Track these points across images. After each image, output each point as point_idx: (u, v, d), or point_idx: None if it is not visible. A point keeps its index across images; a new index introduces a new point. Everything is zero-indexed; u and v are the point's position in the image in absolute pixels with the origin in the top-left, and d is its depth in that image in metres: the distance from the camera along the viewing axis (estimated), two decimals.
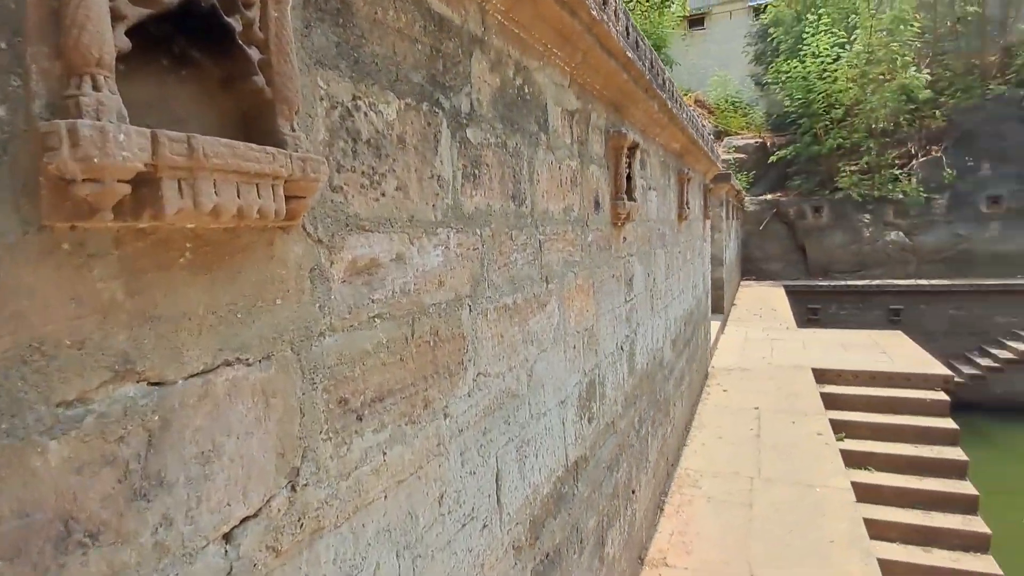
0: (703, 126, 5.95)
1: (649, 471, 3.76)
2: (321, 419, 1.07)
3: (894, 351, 7.80)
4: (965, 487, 5.69)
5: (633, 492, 3.34)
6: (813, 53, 15.56)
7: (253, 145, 0.85)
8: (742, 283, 16.67)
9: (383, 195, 1.25)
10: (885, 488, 5.77)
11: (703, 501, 4.18)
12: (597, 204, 2.80)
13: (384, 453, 1.23)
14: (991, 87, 15.47)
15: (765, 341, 8.74)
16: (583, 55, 2.33)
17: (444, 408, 1.46)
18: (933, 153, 15.87)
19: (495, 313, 1.74)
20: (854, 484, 4.93)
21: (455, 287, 1.52)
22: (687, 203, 4.82)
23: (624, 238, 3.14)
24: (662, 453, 4.19)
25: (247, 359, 0.94)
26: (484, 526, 1.65)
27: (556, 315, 2.23)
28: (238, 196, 0.84)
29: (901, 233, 15.88)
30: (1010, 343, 13.93)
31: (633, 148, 3.08)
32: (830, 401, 6.55)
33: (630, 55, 2.66)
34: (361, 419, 1.17)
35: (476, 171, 1.64)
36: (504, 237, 1.80)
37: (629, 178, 3.08)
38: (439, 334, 1.44)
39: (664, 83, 3.52)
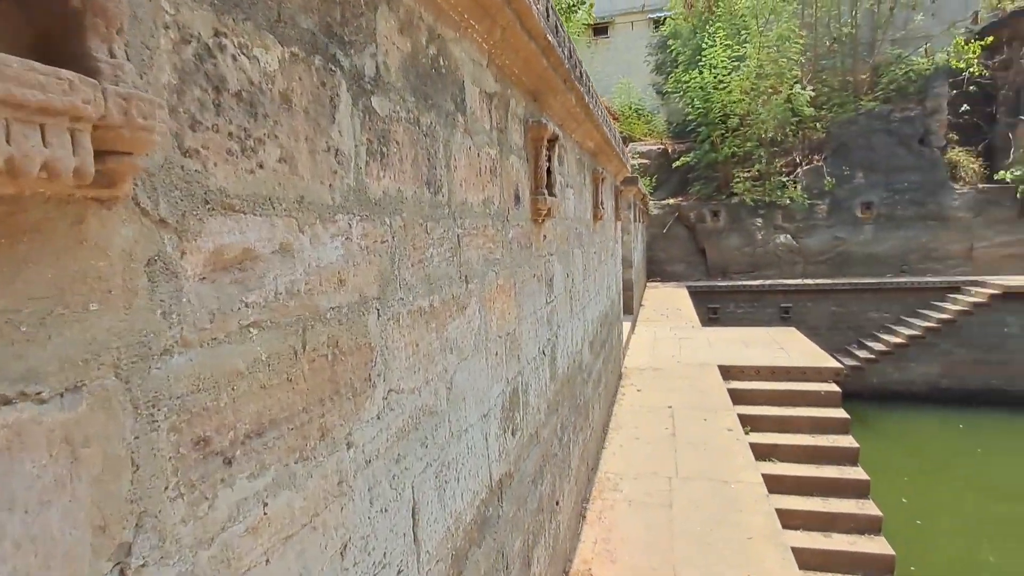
0: (614, 128, 5.96)
1: (572, 479, 3.62)
2: (167, 470, 0.76)
3: (790, 346, 8.23)
4: (858, 473, 6.04)
5: (557, 503, 3.17)
6: (711, 65, 16.38)
7: (36, 64, 0.56)
8: (648, 284, 17.23)
9: (260, 166, 0.96)
10: (788, 478, 6.01)
11: (624, 505, 4.11)
12: (517, 198, 2.60)
13: (265, 504, 0.94)
14: (863, 102, 16.94)
15: (673, 340, 8.97)
16: (502, 32, 2.11)
17: (347, 436, 1.19)
18: (815, 162, 17.16)
19: (409, 318, 1.48)
20: (763, 476, 5.07)
21: (360, 287, 1.25)
22: (602, 203, 4.76)
23: (544, 236, 2.97)
24: (583, 459, 4.07)
25: (40, 393, 0.63)
26: (399, 572, 1.39)
27: (477, 319, 2.00)
28: (7, 141, 0.54)
29: (789, 236, 17.04)
30: (883, 336, 15.30)
31: (553, 140, 2.92)
32: (737, 396, 6.76)
33: (550, 39, 2.48)
34: (230, 463, 0.87)
35: (384, 148, 1.37)
36: (419, 229, 1.55)
37: (549, 172, 2.91)
38: (339, 345, 1.17)
39: (582, 76, 3.39)
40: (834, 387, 6.81)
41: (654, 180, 18.05)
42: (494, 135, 2.27)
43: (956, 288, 15.20)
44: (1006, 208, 15.80)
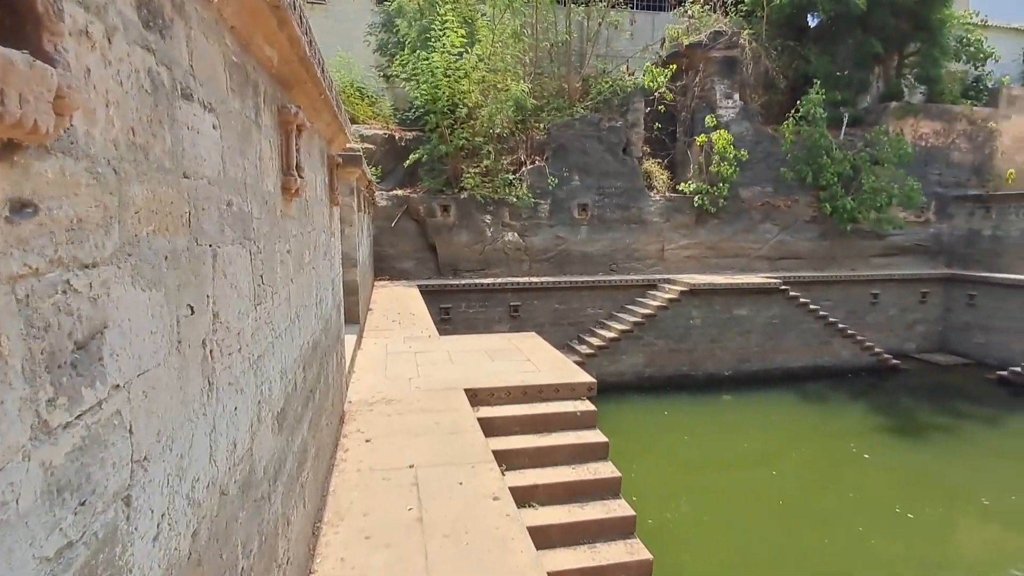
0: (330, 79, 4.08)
1: None
2: None
3: (537, 357, 7.35)
4: (622, 508, 5.25)
5: None
6: (442, 48, 15.29)
7: None
8: (376, 283, 15.47)
9: None
10: (552, 528, 4.91)
11: None
12: None
13: None
14: (578, 109, 17.78)
15: (409, 355, 7.39)
16: None
17: None
18: (538, 162, 17.46)
19: None
20: (528, 529, 3.78)
21: None
22: (296, 166, 2.85)
23: None
24: None
25: None
26: None
27: None
28: None
29: (516, 234, 17.03)
30: (599, 331, 16.20)
31: None
32: (489, 427, 5.49)
33: None
34: None
35: None
36: None
37: None
38: None
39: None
40: (589, 406, 6.01)
41: (380, 169, 16.35)
42: None
43: (654, 285, 16.90)
44: (686, 215, 18.17)
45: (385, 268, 16.40)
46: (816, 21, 20.24)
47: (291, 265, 2.67)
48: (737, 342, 16.40)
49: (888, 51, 19.45)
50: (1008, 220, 18.58)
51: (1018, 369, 16.13)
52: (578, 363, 15.27)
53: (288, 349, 2.57)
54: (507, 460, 5.33)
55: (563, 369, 6.69)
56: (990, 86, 21.30)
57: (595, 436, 5.74)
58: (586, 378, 6.28)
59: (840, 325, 17.12)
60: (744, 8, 19.74)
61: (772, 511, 9.62)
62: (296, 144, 2.79)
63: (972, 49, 20.30)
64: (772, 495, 10.28)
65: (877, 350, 17.52)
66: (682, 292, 15.78)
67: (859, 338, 17.34)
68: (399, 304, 11.69)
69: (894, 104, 19.45)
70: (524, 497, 5.09)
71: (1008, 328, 17.55)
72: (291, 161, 2.60)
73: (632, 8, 20.77)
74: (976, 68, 21.08)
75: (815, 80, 18.10)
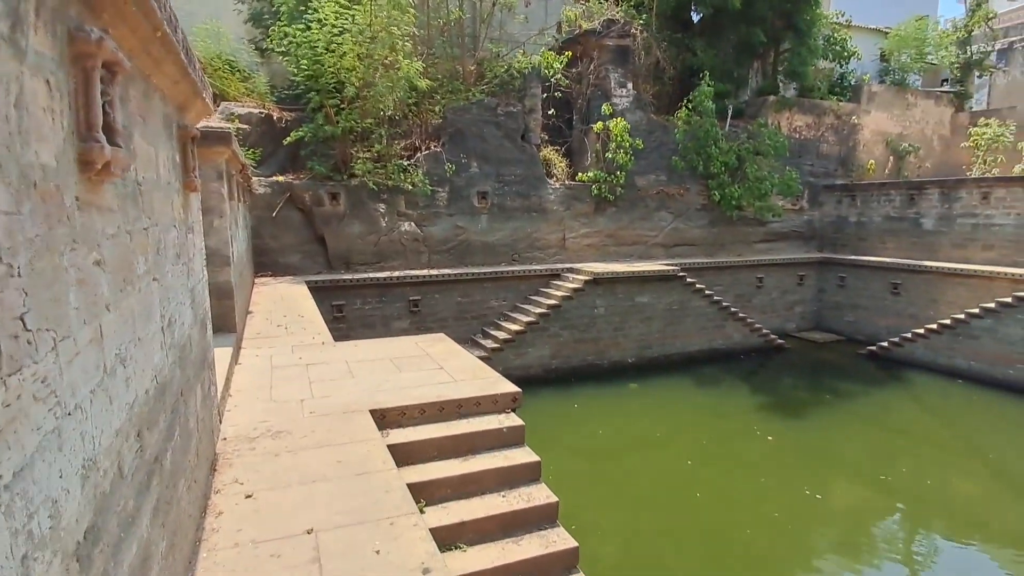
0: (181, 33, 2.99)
1: None
2: None
3: (451, 364, 6.51)
4: (562, 538, 4.60)
5: None
6: (320, 20, 13.77)
7: None
8: (257, 280, 13.81)
9: None
10: (485, 574, 4.16)
11: None
12: None
13: None
14: (474, 93, 16.95)
15: (299, 369, 6.27)
16: None
17: None
18: (434, 148, 16.46)
19: None
20: None
21: None
22: (110, 128, 1.85)
23: None
24: None
25: None
26: None
27: None
28: None
29: (413, 224, 15.97)
30: (504, 324, 15.60)
31: None
32: (403, 454, 4.62)
33: None
34: None
35: None
36: None
37: None
38: None
39: None
40: (516, 420, 5.29)
41: (258, 153, 14.59)
42: None
43: (557, 275, 16.55)
44: (585, 204, 18.00)
45: (267, 263, 14.72)
46: (699, 15, 20.83)
47: (105, 284, 1.67)
48: (639, 329, 16.50)
49: (765, 47, 20.38)
50: (871, 207, 20.21)
51: (885, 344, 17.58)
52: (484, 358, 14.60)
53: (102, 419, 1.59)
54: (426, 493, 4.49)
55: (483, 378, 5.91)
56: (853, 83, 23.04)
57: (525, 455, 5.05)
58: (509, 387, 5.55)
59: (732, 309, 17.75)
60: None
61: (691, 501, 9.53)
62: (109, 94, 1.77)
63: (838, 48, 21.80)
64: (688, 483, 10.23)
65: (764, 331, 18.39)
66: (586, 281, 15.54)
67: (749, 320, 18.09)
68: (285, 305, 10.33)
69: (772, 98, 20.46)
70: (449, 538, 4.29)
71: (872, 306, 19.12)
72: (94, 119, 1.60)
73: None
74: (841, 66, 22.71)
75: (702, 72, 18.53)
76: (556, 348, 15.52)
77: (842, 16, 22.36)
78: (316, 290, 13.50)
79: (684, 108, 18.41)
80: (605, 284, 15.76)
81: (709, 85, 17.82)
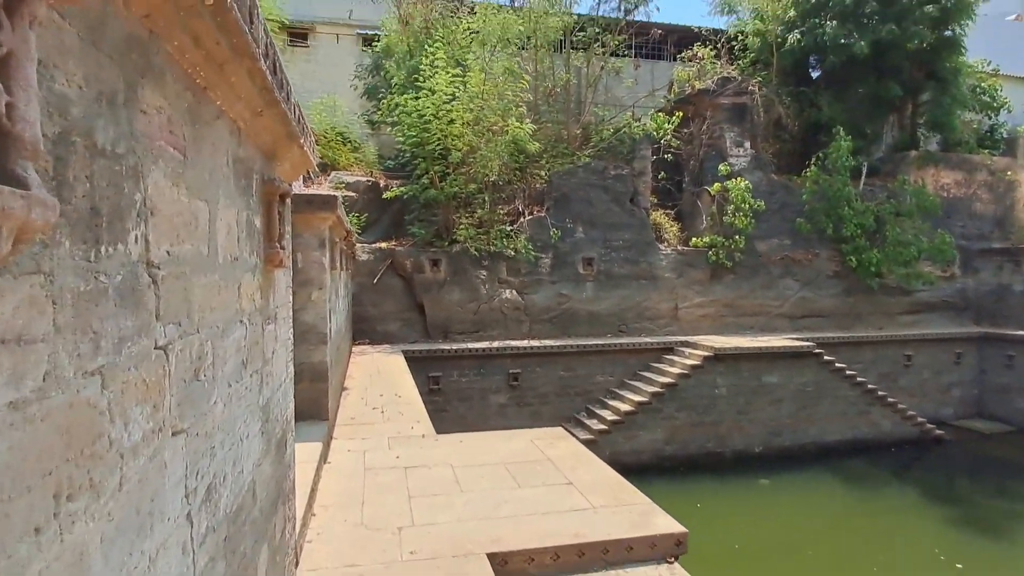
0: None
1: None
2: None
3: (579, 475, 5.25)
4: None
5: None
6: (430, 89, 13.70)
7: None
8: (354, 349, 13.33)
9: None
10: None
11: None
12: None
13: None
14: (581, 156, 16.26)
15: (398, 474, 5.25)
16: None
17: None
18: (538, 212, 15.76)
19: None
20: None
21: None
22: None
23: None
24: None
25: None
26: None
27: None
28: None
29: (514, 291, 15.12)
30: (611, 403, 14.11)
31: None
32: None
33: None
34: None
35: None
36: None
37: None
38: None
39: None
40: (680, 572, 3.91)
41: (363, 219, 14.48)
42: None
43: (671, 349, 14.97)
44: (700, 270, 16.47)
45: (366, 330, 14.29)
46: (819, 68, 19.30)
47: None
48: (767, 413, 14.41)
49: (902, 98, 18.45)
50: None
51: None
52: (589, 441, 13.12)
53: None
54: None
55: (628, 503, 4.58)
56: (1005, 136, 20.38)
57: None
58: (670, 524, 4.18)
59: (880, 392, 15.25)
60: (751, 55, 18.68)
61: None
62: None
63: (986, 98, 19.42)
64: None
65: (920, 419, 15.62)
66: (706, 357, 13.85)
67: (900, 406, 15.45)
68: (382, 380, 9.57)
69: (914, 153, 18.32)
70: None
71: None
72: None
73: (633, 56, 19.65)
74: (990, 118, 20.19)
75: (832, 127, 16.88)
76: (671, 432, 13.76)
77: (988, 64, 20.01)
78: (413, 360, 12.80)
79: (813, 166, 16.71)
80: (728, 361, 13.98)
81: (845, 140, 16.09)
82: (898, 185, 17.26)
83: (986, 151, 19.44)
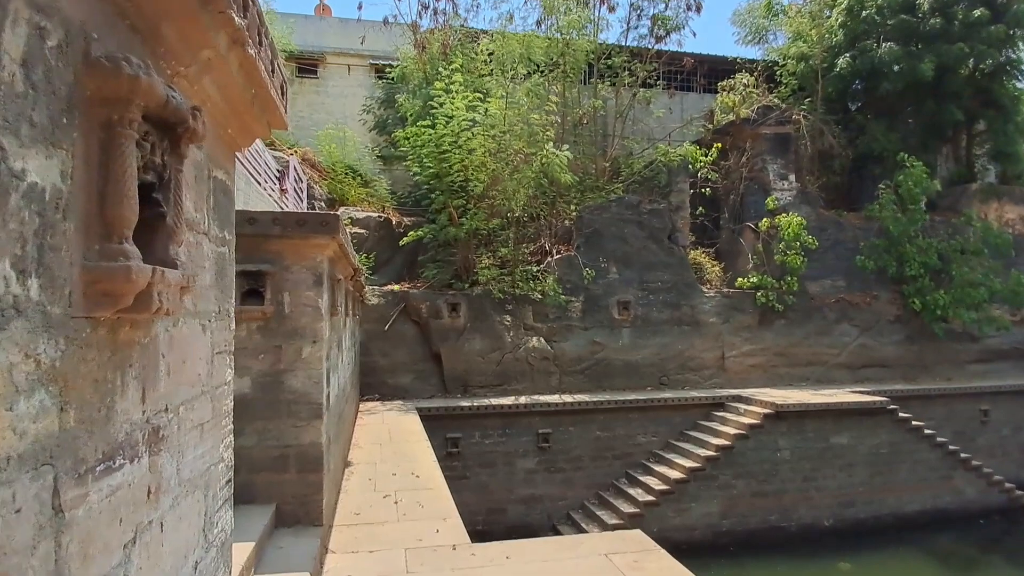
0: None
1: None
2: None
3: None
4: None
5: None
6: (447, 115, 12.39)
7: None
8: (362, 407, 11.63)
9: None
10: None
11: None
12: None
13: None
14: (615, 189, 14.85)
15: None
16: None
17: None
18: (565, 251, 14.23)
19: None
20: None
21: None
22: None
23: None
24: None
25: None
26: None
27: None
28: None
29: (542, 339, 13.45)
30: (656, 468, 12.18)
31: None
32: None
33: None
34: None
35: None
36: None
37: None
38: None
39: None
40: None
41: (373, 258, 12.98)
42: None
43: (721, 404, 13.12)
44: (748, 315, 14.76)
45: (374, 384, 12.61)
46: (864, 95, 17.98)
47: None
48: (837, 480, 12.43)
49: (956, 128, 17.05)
50: None
51: None
52: (634, 515, 11.19)
53: None
54: None
55: None
56: None
57: None
58: None
59: (962, 454, 13.25)
60: (792, 82, 17.43)
61: None
62: None
63: None
64: None
65: (1008, 485, 13.55)
66: (765, 415, 12.00)
67: (986, 470, 13.41)
68: (394, 449, 7.85)
69: (975, 186, 16.77)
70: None
71: None
72: None
73: (664, 87, 18.48)
74: None
75: (889, 157, 15.44)
76: (728, 504, 11.79)
77: None
78: (428, 419, 11.09)
79: (883, 197, 15.11)
80: (790, 419, 12.12)
81: (913, 166, 14.57)
82: (963, 221, 15.66)
83: None
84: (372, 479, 6.44)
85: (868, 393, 13.24)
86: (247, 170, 7.05)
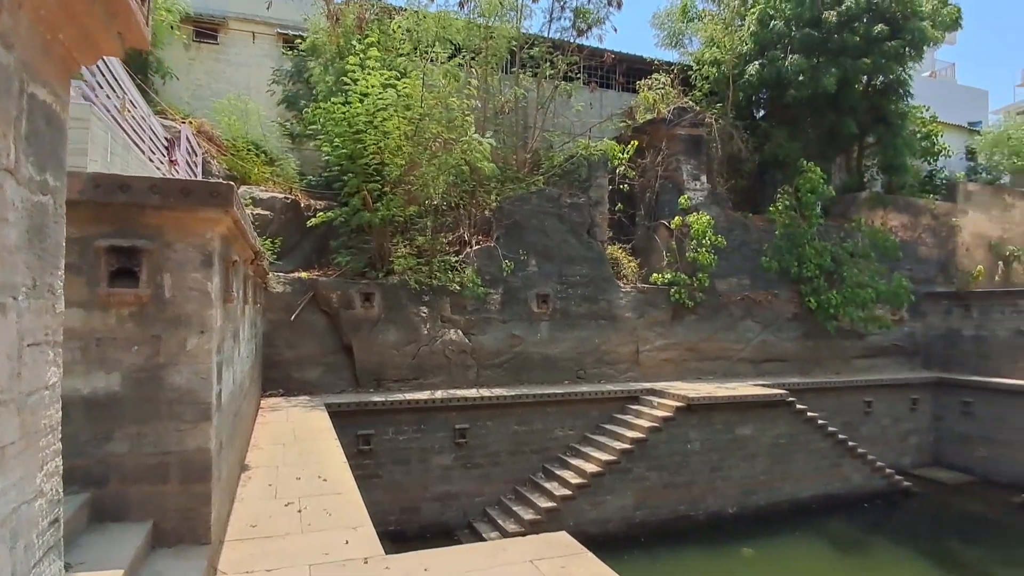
0: None
1: None
2: None
3: None
4: None
5: None
6: (362, 92, 11.61)
7: None
8: (264, 403, 10.71)
9: None
10: None
11: None
12: None
13: None
14: (536, 181, 14.64)
15: None
16: None
17: None
18: (485, 242, 13.87)
19: None
20: None
21: None
22: None
23: None
24: None
25: None
26: None
27: None
28: None
29: (460, 332, 13.03)
30: (573, 461, 12.13)
31: None
32: None
33: None
34: None
35: None
36: None
37: None
38: None
39: None
40: None
41: (279, 243, 12.00)
42: None
43: (635, 398, 13.28)
44: (662, 310, 15.07)
45: (278, 379, 11.68)
46: (768, 103, 18.91)
47: None
48: (742, 470, 12.94)
49: (850, 140, 18.28)
50: (992, 319, 17.05)
51: None
52: (551, 509, 11.08)
53: None
54: None
55: None
56: (943, 181, 20.78)
57: None
58: None
59: (851, 443, 14.20)
60: (705, 86, 17.99)
61: None
62: None
63: (927, 144, 19.69)
64: None
65: (888, 471, 14.69)
66: (677, 408, 12.25)
67: (869, 457, 14.46)
68: (299, 450, 7.18)
69: (865, 194, 18.06)
70: None
71: (1017, 440, 15.43)
72: None
73: (585, 82, 18.49)
74: (930, 163, 20.52)
75: (789, 162, 16.26)
76: (641, 495, 11.94)
77: (927, 111, 20.40)
78: (338, 415, 10.39)
79: (780, 201, 15.87)
80: (701, 412, 12.44)
81: (814, 171, 15.38)
82: (854, 226, 16.79)
83: (930, 195, 19.60)
84: (273, 484, 5.78)
85: (769, 386, 13.86)
86: (125, 133, 6.11)
